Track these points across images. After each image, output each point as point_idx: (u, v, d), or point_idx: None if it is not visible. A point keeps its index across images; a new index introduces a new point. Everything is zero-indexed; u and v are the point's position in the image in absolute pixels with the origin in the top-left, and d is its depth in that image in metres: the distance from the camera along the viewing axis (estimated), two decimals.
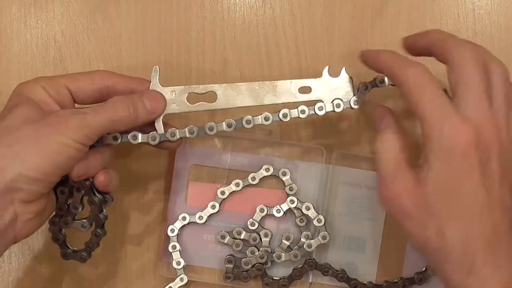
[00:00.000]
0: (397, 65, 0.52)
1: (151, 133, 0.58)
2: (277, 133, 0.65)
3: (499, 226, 0.49)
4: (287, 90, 0.59)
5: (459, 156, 0.48)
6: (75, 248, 0.61)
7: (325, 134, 0.66)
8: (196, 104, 0.59)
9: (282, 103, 0.59)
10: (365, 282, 0.65)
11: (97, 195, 0.58)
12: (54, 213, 0.58)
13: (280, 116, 0.58)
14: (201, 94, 0.59)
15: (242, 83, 0.58)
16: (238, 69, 0.66)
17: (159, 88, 0.58)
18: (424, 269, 0.65)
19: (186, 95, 0.58)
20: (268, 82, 0.59)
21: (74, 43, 0.66)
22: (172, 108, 0.58)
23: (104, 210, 0.60)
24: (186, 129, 0.58)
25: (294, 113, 0.58)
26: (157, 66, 0.58)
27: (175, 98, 0.58)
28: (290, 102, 0.59)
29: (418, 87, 0.50)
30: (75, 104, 0.58)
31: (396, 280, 0.65)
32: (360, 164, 0.65)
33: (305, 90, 0.59)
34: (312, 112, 0.58)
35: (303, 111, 0.58)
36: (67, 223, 0.59)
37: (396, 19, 0.66)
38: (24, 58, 0.67)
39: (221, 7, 0.66)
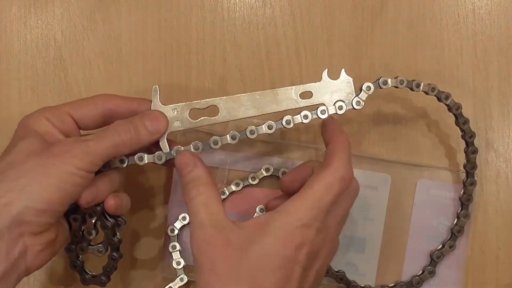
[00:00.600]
0: None
1: (156, 153, 0.57)
2: (277, 133, 0.65)
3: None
4: (288, 97, 0.58)
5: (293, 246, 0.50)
6: (94, 273, 0.62)
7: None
8: (199, 119, 0.58)
9: (284, 110, 0.59)
10: (363, 286, 0.65)
11: (109, 219, 0.59)
12: (69, 240, 0.59)
13: (283, 123, 0.58)
14: (203, 109, 0.58)
15: (243, 94, 0.58)
16: (238, 69, 0.66)
17: (161, 108, 0.57)
18: (421, 272, 0.65)
19: (188, 111, 0.58)
20: (269, 90, 0.58)
21: (74, 43, 0.66)
22: (175, 125, 0.58)
23: (117, 234, 0.60)
24: (191, 145, 0.58)
25: (297, 119, 0.58)
26: (157, 86, 0.57)
27: (177, 115, 0.58)
28: (292, 109, 0.59)
29: None
30: (80, 131, 0.58)
31: (393, 284, 0.65)
32: (360, 164, 0.65)
33: (306, 95, 0.58)
34: (315, 116, 0.58)
35: (306, 116, 0.58)
36: (83, 249, 0.60)
37: (396, 19, 0.66)
38: (24, 58, 0.67)
39: (221, 7, 0.66)
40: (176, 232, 0.65)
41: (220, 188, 0.65)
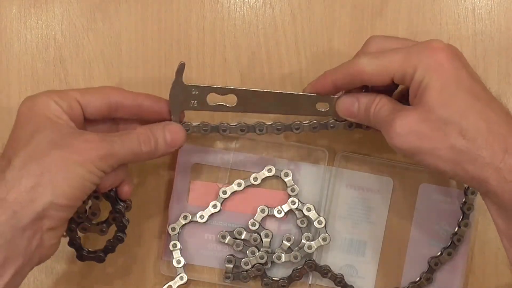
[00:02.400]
0: None
1: None
2: (281, 134, 0.65)
3: (503, 107, 0.51)
4: (308, 103, 0.59)
5: (445, 61, 0.51)
6: (91, 250, 0.62)
7: (328, 136, 0.66)
8: (215, 104, 0.59)
9: (301, 115, 0.61)
10: None
11: (120, 203, 0.60)
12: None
13: (293, 128, 0.61)
14: (222, 95, 0.59)
15: (265, 90, 0.59)
16: (238, 69, 0.66)
17: (183, 86, 0.58)
18: (419, 278, 0.66)
19: (207, 94, 0.59)
20: (290, 93, 0.59)
21: (74, 43, 0.66)
22: (192, 105, 0.58)
23: (126, 215, 0.61)
24: (200, 123, 0.60)
25: (307, 127, 0.60)
26: (184, 62, 0.57)
27: (196, 95, 0.58)
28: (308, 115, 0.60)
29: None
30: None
31: None
32: (363, 166, 0.66)
33: (323, 105, 0.59)
34: (324, 128, 0.60)
35: (315, 127, 0.60)
36: (85, 229, 0.60)
37: (396, 19, 0.66)
38: (24, 58, 0.66)
39: (221, 7, 0.66)
40: (177, 230, 0.65)
41: (221, 187, 0.65)
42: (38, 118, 0.53)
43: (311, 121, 0.61)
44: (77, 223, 0.60)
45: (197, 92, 0.58)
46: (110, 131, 0.58)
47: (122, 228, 0.62)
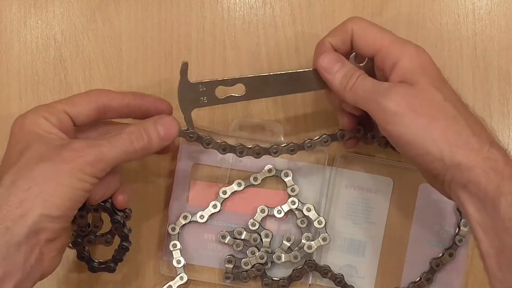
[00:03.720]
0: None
1: None
2: (280, 134, 0.66)
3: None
4: (310, 79, 0.59)
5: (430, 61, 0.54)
6: (101, 260, 0.63)
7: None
8: (225, 96, 0.59)
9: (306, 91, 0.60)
10: None
11: (118, 213, 0.60)
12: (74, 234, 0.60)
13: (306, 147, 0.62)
14: (229, 86, 0.59)
15: (270, 74, 0.58)
16: (238, 69, 0.66)
17: (189, 84, 0.58)
18: (419, 278, 0.66)
19: (215, 88, 0.58)
20: (293, 71, 0.59)
21: (74, 43, 0.66)
22: (201, 101, 0.58)
23: (126, 224, 0.61)
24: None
25: (319, 143, 0.62)
26: (187, 62, 0.57)
27: (204, 91, 0.58)
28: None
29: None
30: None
31: None
32: (363, 166, 0.66)
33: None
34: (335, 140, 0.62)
35: (326, 141, 0.62)
36: (91, 242, 0.61)
37: (396, 19, 0.66)
38: (24, 58, 0.66)
39: (221, 7, 0.66)
40: (177, 230, 0.65)
41: (221, 187, 0.65)
42: (28, 135, 0.53)
43: (321, 136, 0.61)
44: (82, 236, 0.60)
45: (205, 88, 0.58)
46: (105, 134, 0.58)
47: (124, 238, 0.62)
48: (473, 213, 0.50)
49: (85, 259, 0.62)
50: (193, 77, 0.66)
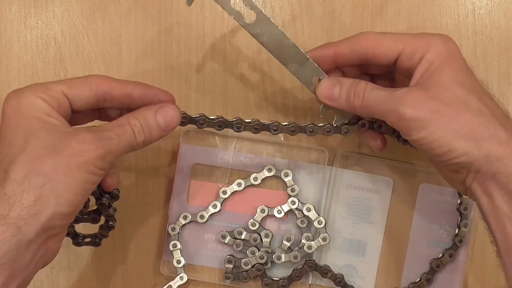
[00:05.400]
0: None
1: None
2: (280, 134, 0.65)
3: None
4: (311, 68, 0.58)
5: (456, 48, 0.54)
6: (85, 235, 0.62)
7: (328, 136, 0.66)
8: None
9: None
10: None
11: (104, 195, 0.59)
12: None
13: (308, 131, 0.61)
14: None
15: (291, 40, 0.57)
16: (238, 69, 0.66)
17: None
18: (419, 279, 0.66)
19: None
20: (304, 52, 0.57)
21: (74, 43, 0.66)
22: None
23: (112, 205, 0.60)
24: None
25: (321, 130, 0.61)
26: None
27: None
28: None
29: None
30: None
31: None
32: (363, 166, 0.66)
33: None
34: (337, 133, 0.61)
35: (328, 131, 0.61)
36: (77, 220, 0.60)
37: (396, 19, 0.66)
38: (24, 58, 0.66)
39: (221, 7, 0.66)
40: (177, 230, 0.65)
41: (221, 187, 0.65)
42: (29, 120, 0.51)
43: (325, 125, 0.60)
44: None
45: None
46: (96, 119, 0.57)
47: (109, 217, 0.61)
48: (501, 204, 0.50)
49: (70, 234, 0.61)
50: (193, 77, 0.66)
